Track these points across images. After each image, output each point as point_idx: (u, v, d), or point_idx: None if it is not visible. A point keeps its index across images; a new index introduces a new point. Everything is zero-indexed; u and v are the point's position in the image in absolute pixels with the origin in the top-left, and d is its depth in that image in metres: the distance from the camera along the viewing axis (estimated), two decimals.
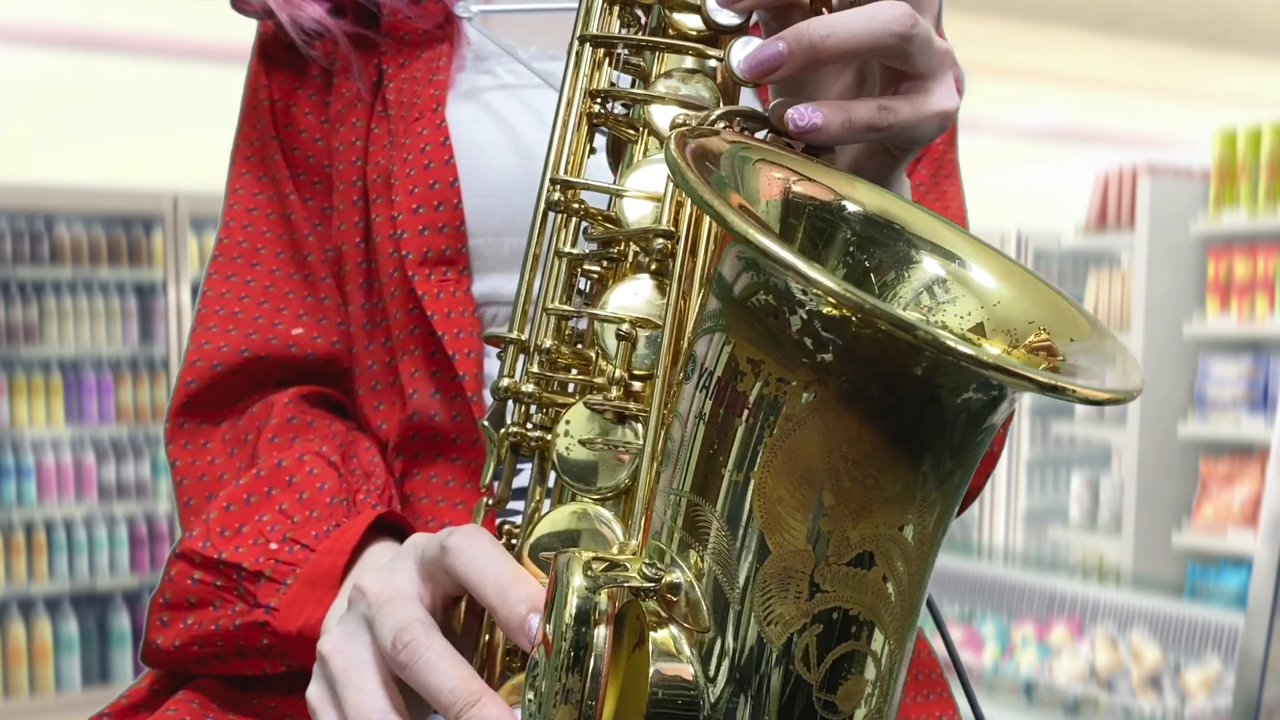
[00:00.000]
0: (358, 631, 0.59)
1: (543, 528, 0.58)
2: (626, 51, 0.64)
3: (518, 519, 0.63)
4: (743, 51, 0.58)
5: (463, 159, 0.80)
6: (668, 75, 0.62)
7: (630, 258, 0.61)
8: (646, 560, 0.51)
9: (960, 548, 3.57)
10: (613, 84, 0.64)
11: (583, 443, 0.58)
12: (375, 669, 0.58)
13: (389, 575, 0.59)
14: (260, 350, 0.83)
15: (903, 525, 0.48)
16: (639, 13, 0.64)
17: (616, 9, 0.64)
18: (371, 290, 0.82)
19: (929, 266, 0.55)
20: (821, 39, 0.56)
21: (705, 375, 0.50)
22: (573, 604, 0.48)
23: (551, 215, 0.63)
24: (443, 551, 0.57)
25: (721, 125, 0.57)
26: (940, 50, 0.60)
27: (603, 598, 0.49)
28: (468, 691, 0.54)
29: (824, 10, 0.60)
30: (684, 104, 0.61)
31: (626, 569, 0.50)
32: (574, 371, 0.62)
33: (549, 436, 0.60)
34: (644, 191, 0.61)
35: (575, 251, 0.62)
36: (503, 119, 0.82)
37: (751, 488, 0.48)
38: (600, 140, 0.66)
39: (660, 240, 0.58)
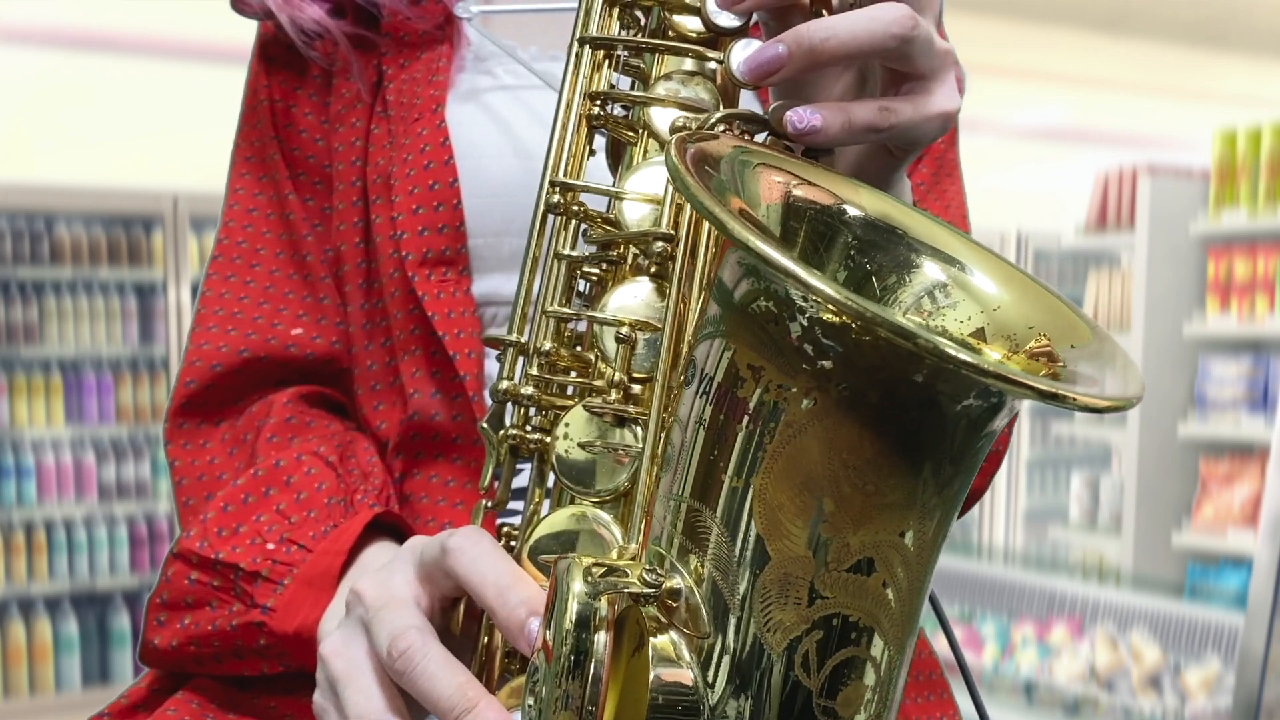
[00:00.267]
0: (356, 635, 0.59)
1: (541, 530, 0.58)
2: (626, 53, 0.64)
3: (517, 520, 0.62)
4: (742, 54, 0.57)
5: (462, 159, 0.80)
6: (667, 77, 0.62)
7: (630, 260, 0.61)
8: (647, 566, 0.51)
9: (960, 548, 3.57)
10: (612, 86, 0.64)
11: (582, 445, 0.58)
12: (374, 671, 0.58)
13: (385, 579, 0.59)
14: (259, 350, 0.83)
15: (903, 531, 0.48)
16: (639, 14, 0.64)
17: (616, 11, 0.64)
18: (371, 290, 0.82)
19: (930, 271, 0.55)
20: (821, 41, 0.56)
21: (705, 381, 0.50)
22: (573, 609, 0.48)
23: (551, 217, 0.63)
24: (443, 552, 0.57)
25: (721, 128, 0.56)
26: (941, 51, 0.60)
27: (603, 603, 0.49)
28: (464, 698, 0.54)
29: (824, 12, 0.59)
30: (683, 106, 0.61)
31: (626, 574, 0.50)
32: (573, 374, 0.62)
33: (548, 439, 0.60)
34: (643, 194, 0.61)
35: (574, 254, 0.62)
36: (502, 120, 0.82)
37: (751, 494, 0.48)
38: (600, 142, 0.65)
39: (660, 243, 0.58)
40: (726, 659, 0.49)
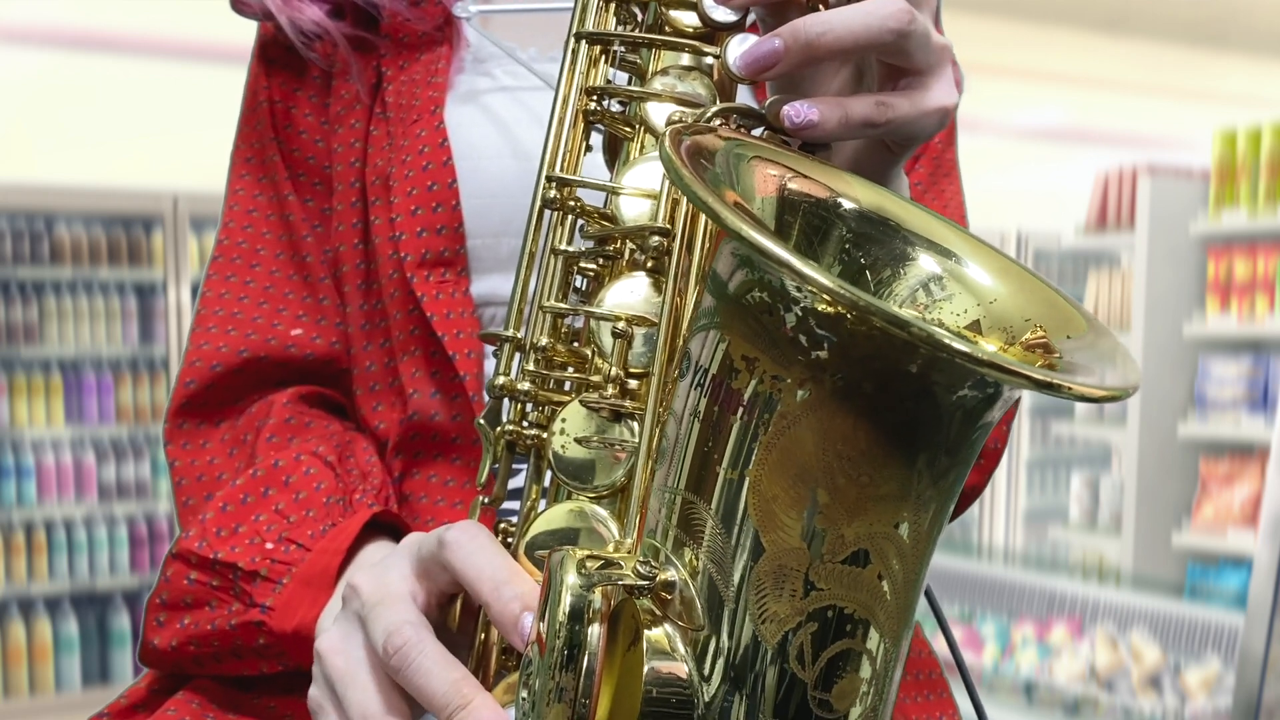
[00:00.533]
0: (353, 630, 0.59)
1: (538, 526, 0.58)
2: (623, 49, 0.64)
3: (515, 517, 0.62)
4: (739, 48, 0.57)
5: (461, 160, 0.80)
6: (664, 72, 0.62)
7: (626, 255, 0.61)
8: (641, 558, 0.51)
9: (960, 548, 3.57)
10: (609, 81, 0.64)
11: (578, 441, 0.58)
12: (372, 669, 0.57)
13: (382, 574, 0.59)
14: (259, 351, 0.83)
15: (898, 523, 0.48)
16: (635, 10, 0.64)
17: (613, 6, 0.64)
18: (370, 291, 0.82)
19: (925, 264, 0.55)
20: (818, 35, 0.56)
21: (700, 373, 0.50)
22: (566, 602, 0.48)
23: (548, 213, 0.63)
24: (440, 546, 0.57)
25: (718, 122, 0.56)
26: (939, 46, 0.60)
27: (597, 596, 0.49)
28: (459, 695, 0.54)
29: (821, 6, 0.59)
30: (680, 101, 0.61)
31: (621, 567, 0.50)
32: (570, 369, 0.61)
33: (545, 434, 0.60)
34: (640, 189, 0.61)
35: (571, 249, 0.62)
36: (501, 121, 0.82)
37: (746, 486, 0.48)
38: (597, 138, 0.65)
39: (656, 238, 0.58)
40: (721, 651, 0.49)
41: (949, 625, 0.80)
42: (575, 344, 0.62)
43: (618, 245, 0.61)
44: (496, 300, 0.81)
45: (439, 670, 0.55)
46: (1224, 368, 3.65)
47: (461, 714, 0.53)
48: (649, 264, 0.59)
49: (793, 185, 0.55)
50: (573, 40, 0.64)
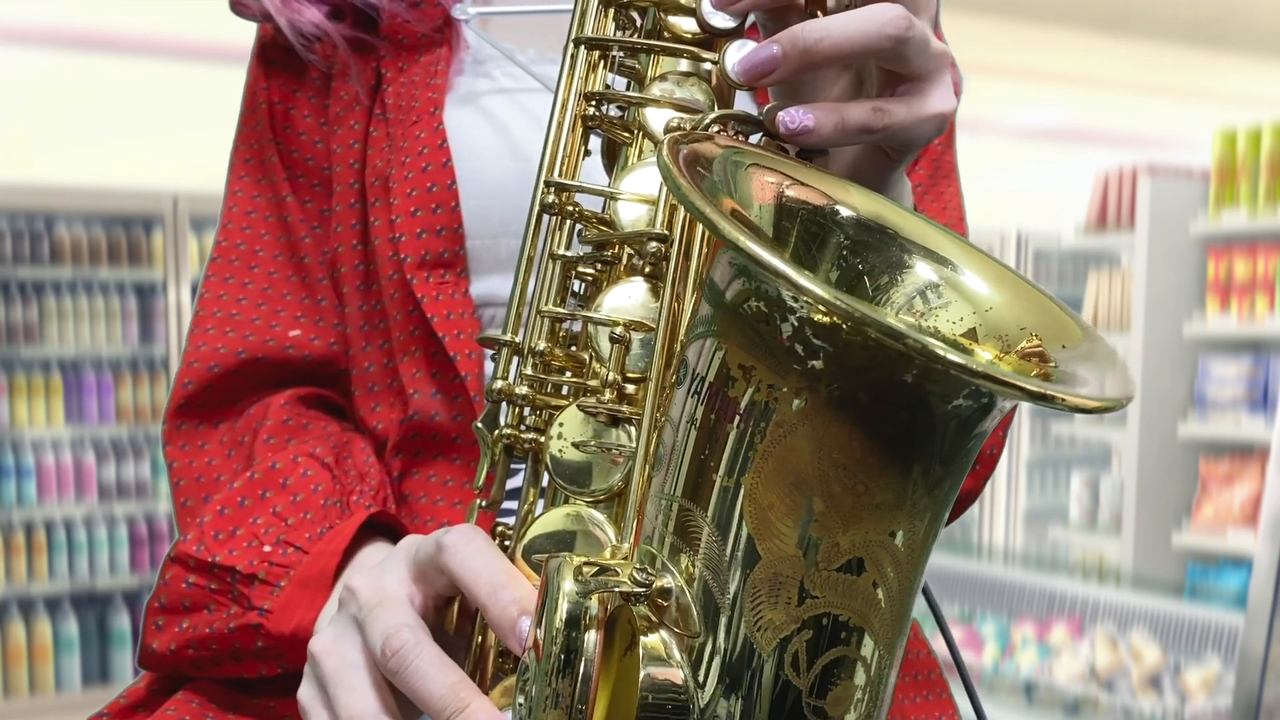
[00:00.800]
0: (348, 632, 0.59)
1: (535, 529, 0.58)
2: (622, 54, 0.64)
3: (513, 520, 0.63)
4: (737, 54, 0.57)
5: (460, 162, 0.80)
6: (662, 78, 0.62)
7: (624, 260, 0.61)
8: (637, 565, 0.51)
9: (960, 548, 3.57)
10: (608, 86, 0.64)
11: (576, 445, 0.58)
12: (366, 670, 0.57)
13: (379, 576, 0.59)
14: (257, 351, 0.83)
15: (893, 531, 0.48)
16: (634, 15, 0.64)
17: (611, 12, 0.64)
18: (369, 292, 0.82)
19: (922, 271, 0.55)
20: (816, 42, 0.56)
21: (697, 380, 0.50)
22: (563, 608, 0.48)
23: (546, 217, 0.63)
24: (438, 549, 0.57)
25: (715, 129, 0.56)
26: (937, 52, 0.60)
27: (593, 602, 0.49)
28: (456, 698, 0.54)
29: (819, 13, 0.59)
30: (678, 107, 0.61)
31: (617, 574, 0.50)
32: (568, 374, 0.62)
33: (543, 439, 0.60)
34: (638, 194, 0.61)
35: (569, 254, 0.62)
36: (500, 122, 0.82)
37: (742, 493, 0.48)
38: (595, 143, 0.65)
39: (654, 244, 0.58)
40: (717, 658, 0.49)
41: (948, 625, 0.80)
42: (573, 348, 0.62)
43: (616, 250, 0.61)
44: (496, 301, 0.81)
45: (436, 673, 0.55)
46: (1224, 368, 3.66)
47: (459, 717, 0.53)
48: (647, 269, 0.59)
49: (790, 192, 0.55)
50: (571, 45, 0.64)
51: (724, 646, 0.49)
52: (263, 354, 0.83)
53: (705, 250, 0.55)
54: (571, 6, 0.65)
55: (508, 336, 0.62)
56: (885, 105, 0.59)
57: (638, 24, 0.64)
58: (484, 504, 0.63)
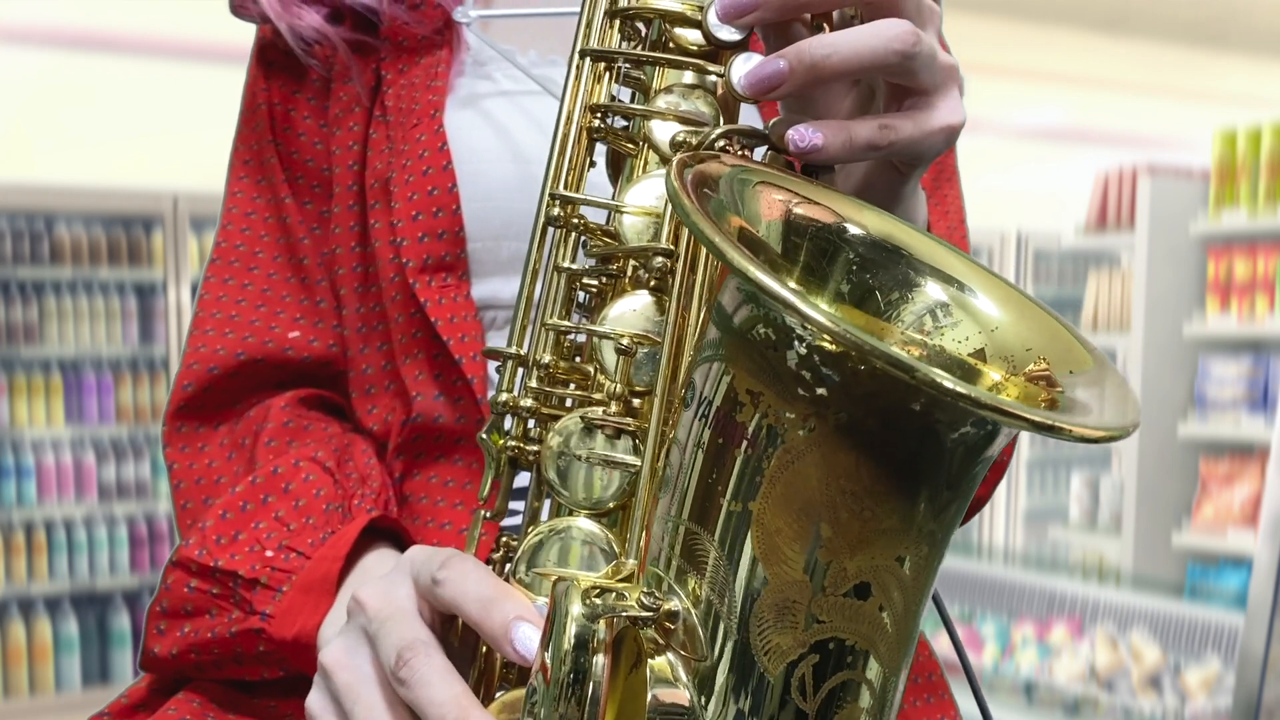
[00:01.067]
0: (359, 645, 0.59)
1: (537, 541, 0.58)
2: (628, 65, 0.64)
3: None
4: (744, 68, 0.57)
5: (461, 164, 0.80)
6: (668, 90, 0.62)
7: (630, 273, 0.61)
8: (645, 589, 0.51)
9: (960, 548, 3.57)
10: (613, 97, 0.64)
11: (578, 458, 0.58)
12: (379, 686, 0.58)
13: (389, 589, 0.59)
14: (256, 353, 0.83)
15: (900, 556, 0.48)
16: (640, 25, 0.64)
17: (617, 23, 0.64)
18: (368, 293, 0.82)
19: (931, 290, 0.55)
20: (824, 58, 0.56)
21: (705, 404, 0.50)
22: (571, 631, 0.49)
23: (551, 230, 0.63)
24: (433, 583, 0.58)
25: (721, 144, 0.56)
26: (944, 65, 0.60)
27: (601, 626, 0.49)
28: (457, 707, 0.54)
29: (825, 27, 0.59)
30: (684, 120, 0.61)
31: (625, 598, 0.50)
32: (573, 387, 0.62)
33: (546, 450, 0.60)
34: (643, 207, 0.61)
35: (574, 267, 0.62)
36: (500, 125, 0.82)
37: (750, 518, 0.48)
38: (600, 151, 0.65)
39: (660, 259, 0.58)
40: (723, 682, 0.49)
41: (954, 626, 0.81)
42: (578, 360, 0.62)
43: (621, 264, 0.61)
44: (497, 303, 0.81)
45: (441, 682, 0.55)
46: (1224, 368, 3.66)
47: None
48: (652, 283, 0.59)
49: (799, 210, 0.55)
50: (577, 57, 0.63)
51: (730, 670, 0.49)
52: (262, 355, 0.83)
53: (712, 263, 0.55)
54: (570, 8, 0.65)
55: (513, 349, 0.62)
56: (891, 122, 0.59)
57: (643, 35, 0.64)
58: (488, 514, 0.63)
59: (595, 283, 0.62)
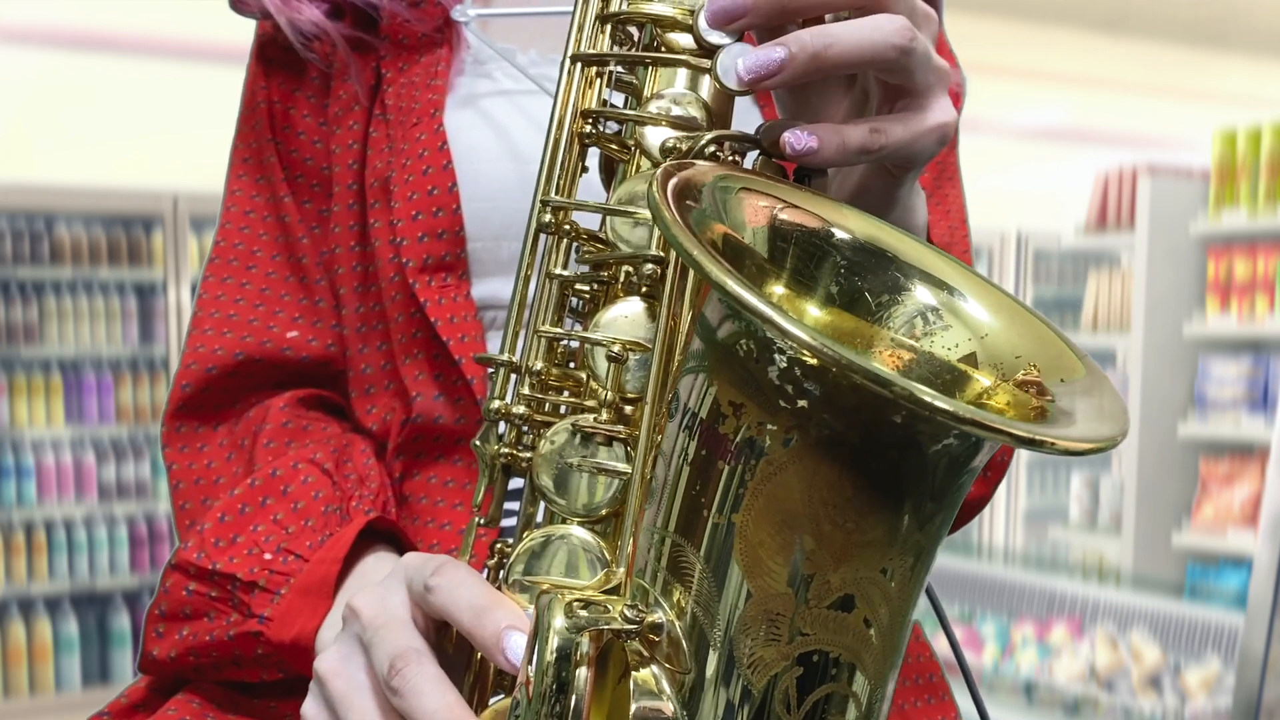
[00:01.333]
0: (353, 653, 0.59)
1: (530, 549, 0.58)
2: (620, 69, 0.64)
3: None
4: (739, 55, 0.57)
5: (460, 164, 0.80)
6: (659, 95, 0.61)
7: (622, 279, 0.61)
8: (628, 602, 0.51)
9: (960, 548, 3.56)
10: (605, 102, 0.64)
11: (570, 464, 0.58)
12: (373, 694, 0.58)
13: (383, 597, 0.59)
14: (255, 353, 0.83)
15: (884, 568, 0.48)
16: (632, 30, 0.64)
17: (608, 29, 0.64)
18: (367, 293, 0.82)
19: (920, 294, 0.55)
20: (825, 48, 0.56)
21: (688, 416, 0.50)
22: (554, 644, 0.49)
23: (543, 236, 0.63)
24: (426, 590, 0.57)
25: (712, 149, 0.56)
26: (938, 67, 0.60)
27: (584, 639, 0.49)
28: (450, 717, 0.54)
29: None
30: (675, 124, 0.60)
31: (608, 610, 0.50)
32: (565, 393, 0.62)
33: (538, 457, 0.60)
34: (636, 213, 0.60)
35: (566, 274, 0.62)
36: (499, 124, 0.82)
37: (733, 530, 0.48)
38: (594, 155, 0.65)
39: (650, 265, 0.58)
40: (707, 695, 0.49)
41: (950, 626, 0.81)
42: (571, 366, 0.62)
43: (613, 270, 0.61)
44: (497, 303, 0.81)
45: (434, 690, 0.55)
46: (1224, 368, 3.66)
47: None
48: (644, 289, 0.59)
49: (784, 215, 0.55)
50: (568, 62, 0.63)
51: (714, 683, 0.49)
52: (260, 355, 0.83)
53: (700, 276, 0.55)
54: (570, 7, 0.65)
55: (505, 356, 0.62)
56: (882, 125, 0.59)
57: (635, 39, 0.64)
58: (482, 521, 0.63)
59: (587, 289, 0.62)
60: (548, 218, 0.62)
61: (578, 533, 0.57)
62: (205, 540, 0.74)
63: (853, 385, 0.44)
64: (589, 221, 0.62)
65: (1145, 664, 2.73)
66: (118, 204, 4.04)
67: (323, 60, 0.85)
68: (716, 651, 0.49)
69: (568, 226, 0.62)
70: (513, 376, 0.62)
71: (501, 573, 0.59)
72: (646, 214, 0.60)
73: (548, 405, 0.61)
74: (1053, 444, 0.44)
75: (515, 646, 0.53)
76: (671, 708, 0.49)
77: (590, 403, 0.59)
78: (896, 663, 0.50)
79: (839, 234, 0.56)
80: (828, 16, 0.59)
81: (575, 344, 0.62)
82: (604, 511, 0.57)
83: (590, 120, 0.63)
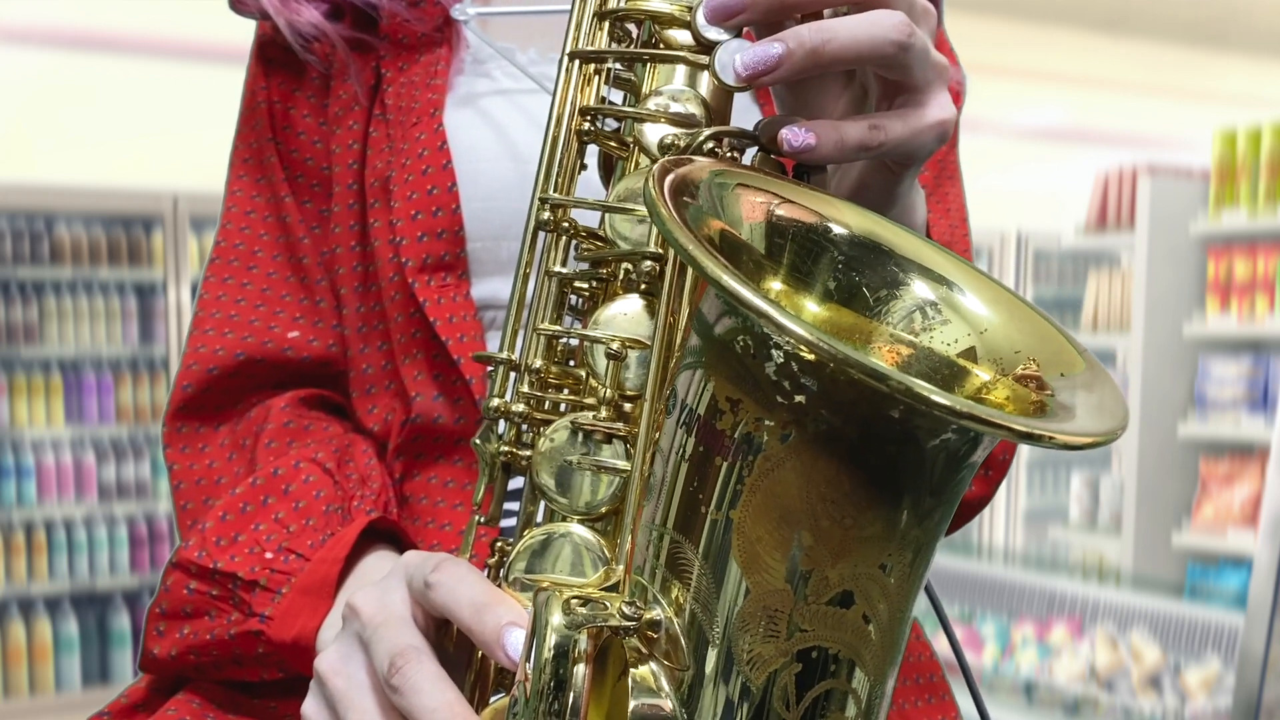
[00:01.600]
0: (353, 652, 0.59)
1: (530, 546, 0.58)
2: (619, 66, 0.64)
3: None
4: (737, 50, 0.57)
5: (460, 163, 0.80)
6: (658, 92, 0.61)
7: (620, 277, 0.61)
8: (627, 599, 0.51)
9: (960, 548, 3.56)
10: (603, 99, 0.64)
11: (569, 462, 0.58)
12: (373, 693, 0.58)
13: (383, 595, 0.59)
14: (256, 353, 0.83)
15: (883, 564, 0.48)
16: (630, 27, 0.64)
17: (606, 25, 0.64)
18: (367, 293, 0.82)
19: (919, 289, 0.55)
20: (823, 43, 0.56)
21: (686, 412, 0.50)
22: (551, 642, 0.48)
23: (542, 234, 0.63)
24: (426, 587, 0.57)
25: (710, 145, 0.56)
26: (936, 63, 0.60)
27: (582, 636, 0.49)
28: (450, 715, 0.54)
29: None
30: (674, 121, 0.60)
31: (606, 607, 0.50)
32: (564, 391, 0.61)
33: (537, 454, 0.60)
34: (634, 210, 0.60)
35: (565, 271, 0.62)
36: (499, 124, 0.82)
37: (731, 527, 0.48)
38: (593, 151, 0.65)
39: (649, 262, 0.58)
40: (706, 691, 0.49)
41: (951, 626, 0.80)
42: (570, 363, 0.62)
43: (612, 268, 0.61)
44: (497, 303, 0.81)
45: (433, 689, 0.55)
46: (1224, 368, 3.66)
47: None
48: (643, 286, 0.59)
49: (781, 211, 0.55)
50: (566, 60, 0.63)
51: (713, 679, 0.49)
52: (261, 355, 0.83)
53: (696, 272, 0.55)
54: (570, 8, 0.65)
55: (504, 354, 0.62)
56: (881, 122, 0.58)
57: (633, 36, 0.64)
58: (482, 520, 0.63)
59: (587, 286, 0.62)
60: (546, 215, 0.62)
61: (578, 531, 0.57)
62: (207, 539, 0.74)
63: (850, 380, 0.44)
64: (588, 219, 0.62)
65: (1145, 664, 2.73)
66: (118, 204, 4.04)
67: (322, 61, 0.85)
68: (715, 648, 0.49)
69: (566, 224, 0.62)
70: (512, 374, 0.62)
71: (502, 571, 0.59)
72: (645, 211, 0.60)
73: (547, 403, 0.61)
74: (1051, 438, 0.44)
75: (516, 643, 0.53)
76: (670, 705, 0.49)
77: (590, 400, 0.59)
78: (896, 659, 0.50)
79: (836, 229, 0.56)
80: (826, 12, 0.59)
81: (574, 342, 0.62)
82: (604, 509, 0.57)
83: (589, 117, 0.63)
